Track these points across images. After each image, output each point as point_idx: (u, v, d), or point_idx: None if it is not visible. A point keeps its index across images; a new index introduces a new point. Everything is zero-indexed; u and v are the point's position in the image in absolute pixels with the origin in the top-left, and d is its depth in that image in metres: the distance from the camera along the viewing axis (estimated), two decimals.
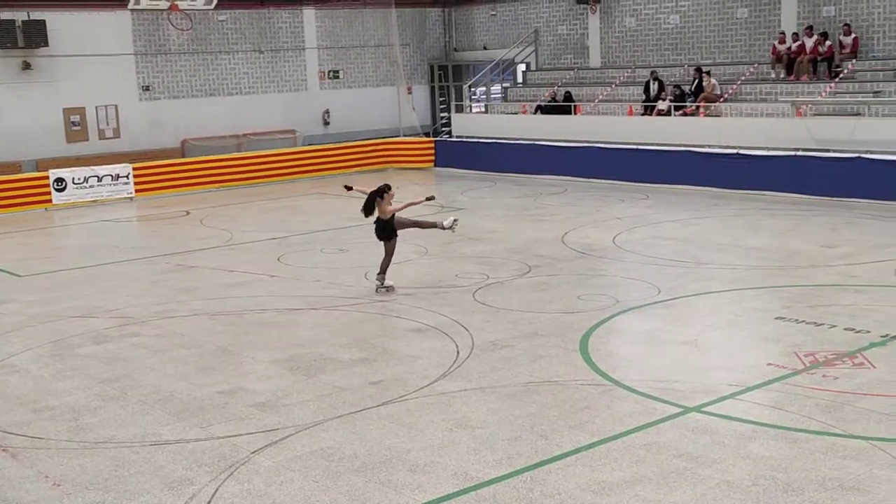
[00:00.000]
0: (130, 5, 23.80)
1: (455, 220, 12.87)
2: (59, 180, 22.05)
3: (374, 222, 12.44)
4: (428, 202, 13.23)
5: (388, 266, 12.47)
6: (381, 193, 12.22)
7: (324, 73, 29.55)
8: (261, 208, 20.86)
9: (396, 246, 12.52)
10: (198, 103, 27.21)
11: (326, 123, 29.53)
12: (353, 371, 9.30)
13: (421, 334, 10.47)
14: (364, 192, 12.48)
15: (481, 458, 7.12)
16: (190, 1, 24.20)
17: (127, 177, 22.87)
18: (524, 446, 7.28)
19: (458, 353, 9.71)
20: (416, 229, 13.10)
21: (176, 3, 23.98)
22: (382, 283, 12.40)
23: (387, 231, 12.39)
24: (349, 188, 13.41)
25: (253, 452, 7.41)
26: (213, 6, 24.73)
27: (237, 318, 11.55)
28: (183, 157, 25.98)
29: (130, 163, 23.35)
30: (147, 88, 26.38)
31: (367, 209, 12.31)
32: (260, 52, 28.22)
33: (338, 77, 29.83)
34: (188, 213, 20.58)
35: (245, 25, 27.94)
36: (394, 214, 12.33)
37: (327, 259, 14.85)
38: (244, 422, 8.07)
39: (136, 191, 22.98)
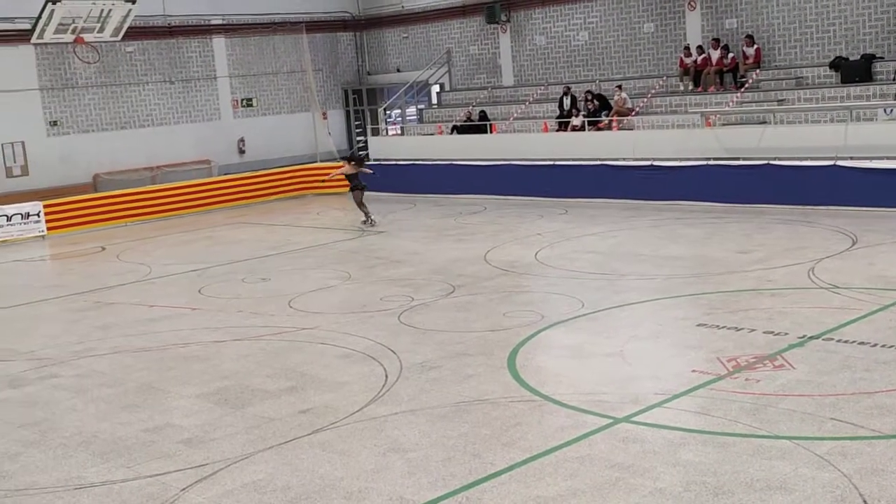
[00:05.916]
0: (33, 40, 23.23)
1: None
2: None
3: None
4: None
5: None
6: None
7: (237, 101, 29.29)
8: (178, 241, 20.52)
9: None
10: (109, 137, 26.72)
11: (242, 152, 29.25)
12: (281, 401, 9.18)
13: (348, 360, 10.40)
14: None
15: (415, 481, 7.08)
16: (96, 33, 23.66)
17: (38, 215, 22.29)
18: (457, 467, 7.27)
19: (386, 376, 9.67)
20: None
21: (81, 35, 23.45)
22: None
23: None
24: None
25: (182, 490, 7.25)
26: (120, 38, 24.21)
27: (160, 353, 11.32)
28: (95, 192, 25.44)
29: (40, 200, 22.79)
30: (55, 123, 25.81)
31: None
32: (171, 83, 27.86)
33: (251, 105, 29.59)
34: (104, 248, 20.13)
35: (154, 56, 27.55)
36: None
37: (249, 289, 14.67)
38: (171, 459, 7.89)
39: (48, 228, 22.41)
